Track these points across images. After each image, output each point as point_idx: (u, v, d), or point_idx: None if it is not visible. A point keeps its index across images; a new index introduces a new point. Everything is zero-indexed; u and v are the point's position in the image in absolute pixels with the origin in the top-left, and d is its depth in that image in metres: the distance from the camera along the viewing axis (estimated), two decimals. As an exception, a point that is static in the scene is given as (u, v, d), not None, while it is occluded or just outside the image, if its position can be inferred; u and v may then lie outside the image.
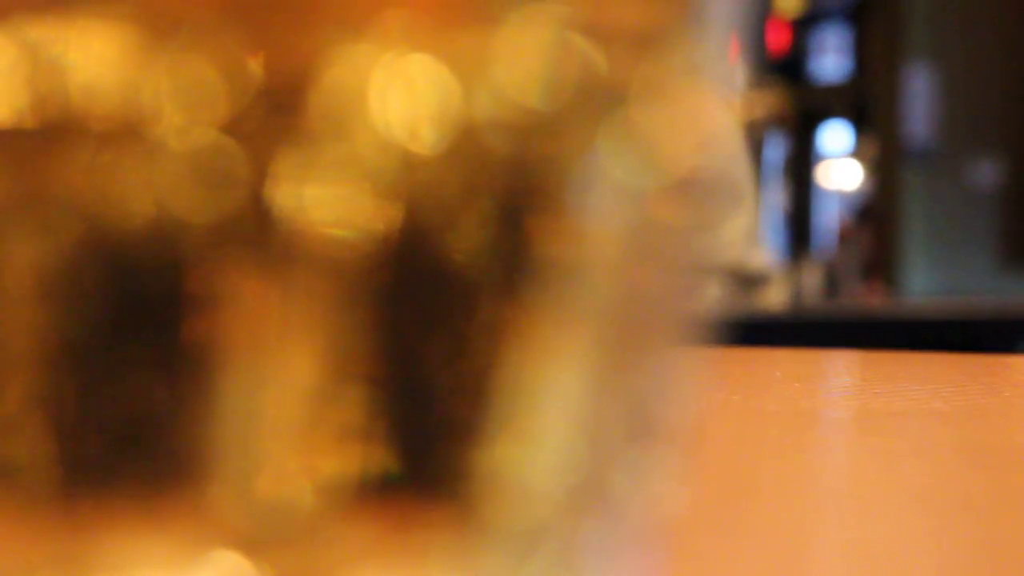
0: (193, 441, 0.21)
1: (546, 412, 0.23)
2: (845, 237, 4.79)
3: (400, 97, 0.21)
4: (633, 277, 0.24)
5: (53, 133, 0.20)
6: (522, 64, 0.21)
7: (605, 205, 0.23)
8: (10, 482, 0.22)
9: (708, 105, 0.24)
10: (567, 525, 0.24)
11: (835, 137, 4.82)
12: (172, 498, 0.22)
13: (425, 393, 0.22)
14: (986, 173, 4.64)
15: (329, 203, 0.20)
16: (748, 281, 4.17)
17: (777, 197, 4.74)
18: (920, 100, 4.65)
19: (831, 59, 4.81)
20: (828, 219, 4.84)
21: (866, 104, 4.76)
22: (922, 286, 4.65)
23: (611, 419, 0.24)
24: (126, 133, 0.20)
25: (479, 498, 0.23)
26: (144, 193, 0.20)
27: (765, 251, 4.60)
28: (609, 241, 0.23)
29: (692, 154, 0.24)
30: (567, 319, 0.23)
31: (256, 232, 0.21)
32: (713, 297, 0.25)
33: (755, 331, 2.92)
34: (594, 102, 0.22)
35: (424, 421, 0.22)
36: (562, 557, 0.24)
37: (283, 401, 0.21)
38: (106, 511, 0.22)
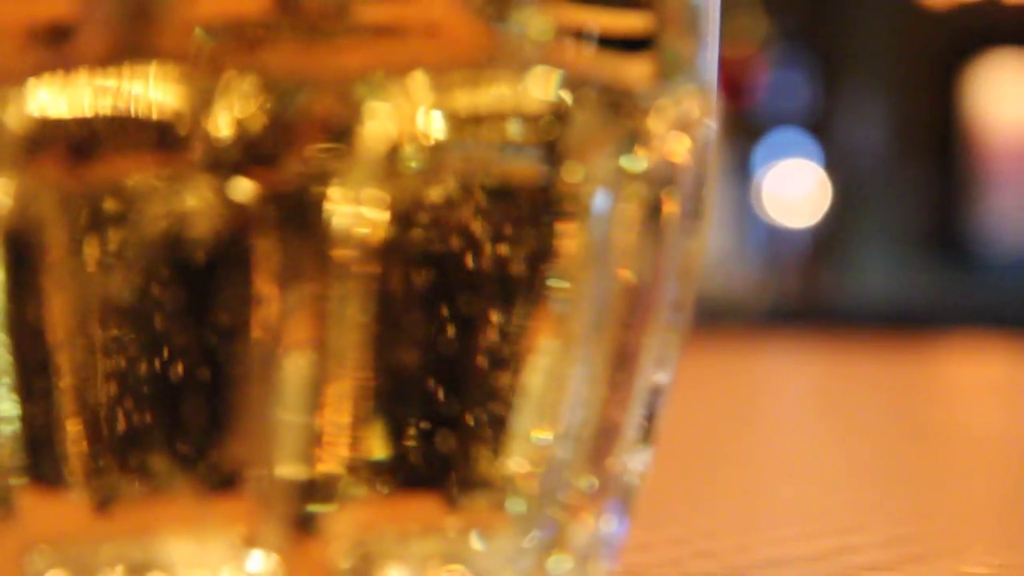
0: (246, 434, 0.22)
1: (564, 405, 0.24)
2: (808, 236, 4.84)
3: (425, 132, 0.23)
4: (640, 272, 0.24)
5: (126, 139, 0.23)
6: (530, 111, 0.24)
7: (615, 203, 0.24)
8: (71, 485, 0.23)
9: (699, 111, 0.25)
10: (585, 517, 0.24)
11: (795, 147, 4.85)
12: (220, 499, 0.22)
13: (456, 388, 0.23)
14: (920, 181, 4.77)
15: (365, 212, 0.22)
16: (717, 275, 4.17)
17: (746, 202, 4.75)
18: (868, 117, 4.76)
19: (791, 77, 4.85)
20: (791, 222, 4.87)
21: (824, 119, 4.84)
22: (870, 276, 4.71)
23: (623, 409, 0.24)
24: (177, 151, 0.22)
25: (502, 491, 0.23)
26: (197, 199, 0.22)
27: (732, 249, 4.61)
28: (618, 236, 0.24)
29: (690, 155, 0.25)
30: (582, 312, 0.24)
31: (306, 238, 0.22)
32: (696, 289, 0.26)
33: (725, 321, 2.93)
34: (596, 126, 0.24)
35: (452, 416, 0.23)
36: (580, 548, 0.24)
37: (329, 395, 0.22)
38: (158, 513, 0.22)
